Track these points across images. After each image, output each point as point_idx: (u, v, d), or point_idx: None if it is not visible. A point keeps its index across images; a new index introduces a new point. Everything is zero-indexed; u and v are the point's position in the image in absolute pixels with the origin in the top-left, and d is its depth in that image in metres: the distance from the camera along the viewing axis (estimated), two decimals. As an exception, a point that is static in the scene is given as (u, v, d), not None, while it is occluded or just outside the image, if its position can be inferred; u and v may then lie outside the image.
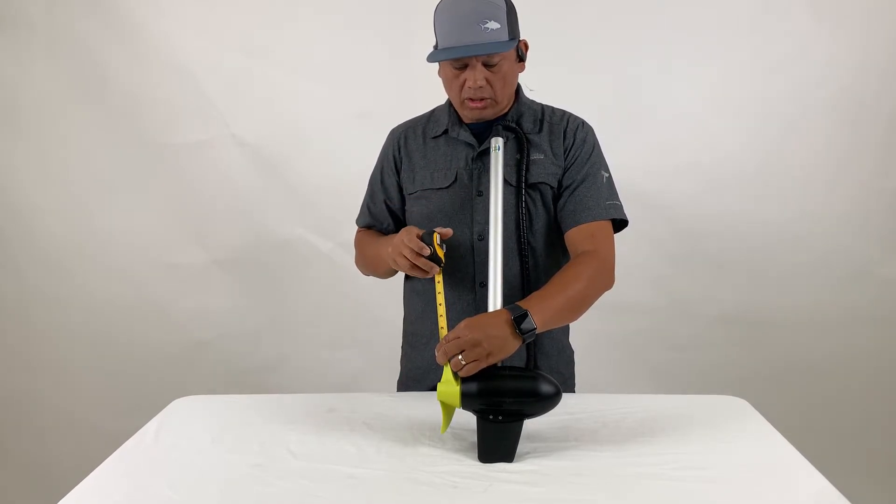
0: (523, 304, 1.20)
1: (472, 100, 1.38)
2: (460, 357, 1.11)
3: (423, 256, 1.26)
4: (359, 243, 1.59)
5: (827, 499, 0.99)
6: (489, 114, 1.41)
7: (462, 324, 1.15)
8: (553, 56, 2.41)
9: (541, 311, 1.19)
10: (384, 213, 1.55)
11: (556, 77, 2.36)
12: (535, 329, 1.17)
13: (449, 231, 1.30)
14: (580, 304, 1.31)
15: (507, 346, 1.15)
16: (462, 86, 1.37)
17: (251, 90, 2.53)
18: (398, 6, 2.42)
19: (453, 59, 1.35)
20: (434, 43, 1.40)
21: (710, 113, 2.46)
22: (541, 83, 2.13)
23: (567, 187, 1.43)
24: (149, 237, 2.57)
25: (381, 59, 2.45)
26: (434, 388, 1.37)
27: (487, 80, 1.35)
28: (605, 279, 1.36)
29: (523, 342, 1.18)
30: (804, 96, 2.41)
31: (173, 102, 2.52)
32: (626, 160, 2.39)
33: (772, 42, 2.40)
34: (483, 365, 1.12)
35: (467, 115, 1.43)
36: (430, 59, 1.37)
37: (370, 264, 1.54)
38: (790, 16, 2.39)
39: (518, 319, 1.16)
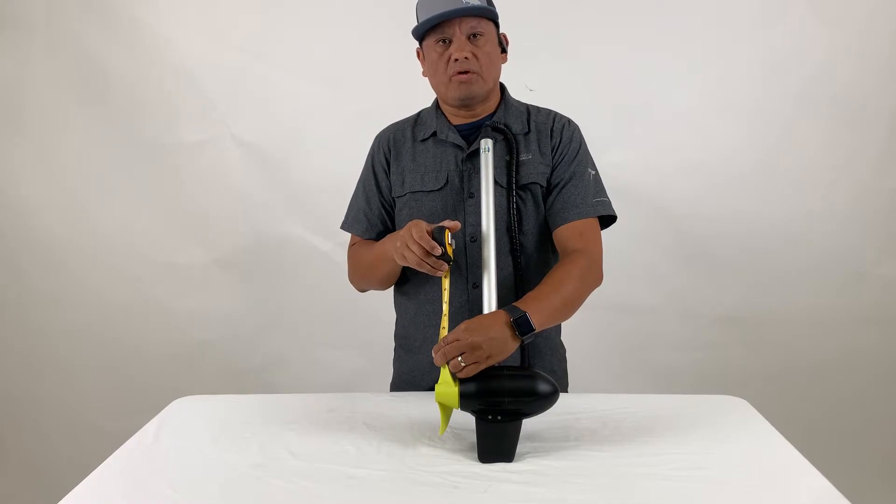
0: (520, 304, 1.20)
1: (458, 73, 1.38)
2: (460, 359, 1.10)
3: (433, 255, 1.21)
4: (354, 253, 1.55)
5: (827, 499, 0.99)
6: (477, 89, 1.40)
7: (461, 326, 1.14)
8: (554, 56, 2.42)
9: (538, 311, 1.19)
10: (382, 216, 1.52)
11: (557, 77, 2.38)
12: (535, 330, 1.17)
13: (457, 224, 1.26)
14: (573, 303, 1.31)
15: (506, 348, 1.15)
16: (448, 62, 1.38)
17: (251, 90, 2.53)
18: (398, 5, 2.42)
19: (438, 36, 1.37)
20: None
21: (711, 113, 2.46)
22: (541, 83, 2.14)
23: (555, 186, 1.43)
24: (149, 237, 2.57)
25: (380, 59, 2.45)
26: (427, 390, 1.36)
27: (473, 54, 1.37)
28: (595, 277, 1.38)
29: (522, 343, 1.18)
30: (804, 96, 2.41)
31: (173, 102, 2.52)
32: (626, 160, 2.41)
33: (772, 42, 2.40)
34: (483, 367, 1.12)
35: (455, 93, 1.40)
36: (415, 31, 1.40)
37: (370, 268, 1.49)
38: (790, 16, 2.39)
39: (517, 321, 1.16)
